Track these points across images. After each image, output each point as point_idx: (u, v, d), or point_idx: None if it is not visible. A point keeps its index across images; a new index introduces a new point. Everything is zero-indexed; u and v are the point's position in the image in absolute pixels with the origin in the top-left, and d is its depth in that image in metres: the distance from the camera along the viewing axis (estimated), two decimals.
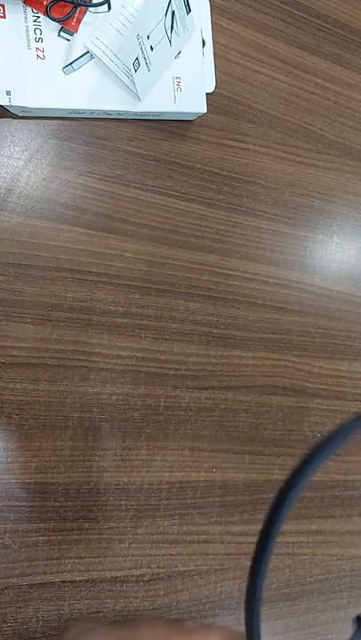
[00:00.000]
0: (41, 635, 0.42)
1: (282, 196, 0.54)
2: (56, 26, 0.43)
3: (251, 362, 0.51)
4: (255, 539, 0.30)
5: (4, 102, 0.41)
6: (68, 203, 0.45)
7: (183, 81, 0.47)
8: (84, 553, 0.44)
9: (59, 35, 0.43)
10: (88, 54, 0.44)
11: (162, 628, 0.25)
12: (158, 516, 0.46)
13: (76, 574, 0.43)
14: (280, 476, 0.51)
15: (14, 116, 0.44)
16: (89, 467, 0.45)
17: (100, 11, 0.44)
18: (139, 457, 0.46)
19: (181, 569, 0.47)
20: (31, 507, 0.42)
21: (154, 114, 0.47)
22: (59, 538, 0.43)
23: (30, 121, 0.44)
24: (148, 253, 0.48)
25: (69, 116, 0.45)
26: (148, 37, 0.43)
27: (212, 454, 0.49)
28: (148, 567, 0.46)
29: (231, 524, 0.49)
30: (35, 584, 0.42)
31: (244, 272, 0.52)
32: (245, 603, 0.20)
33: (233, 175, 0.52)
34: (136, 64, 0.43)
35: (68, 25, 0.43)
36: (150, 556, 0.46)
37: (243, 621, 0.27)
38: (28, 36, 0.42)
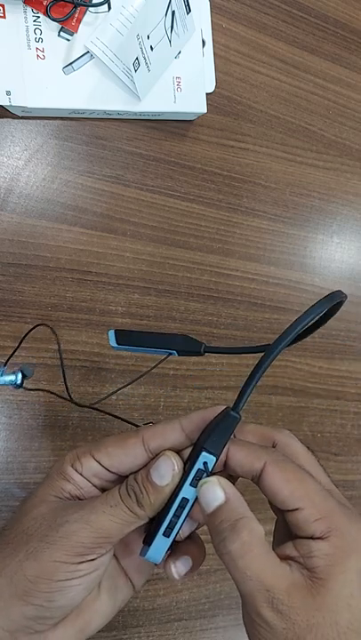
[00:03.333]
0: None
1: (282, 196, 0.54)
2: (56, 26, 0.43)
3: (251, 362, 0.51)
4: None
5: (4, 102, 0.41)
6: (68, 203, 0.45)
7: (183, 81, 0.47)
8: None
9: (59, 35, 0.43)
10: (88, 54, 0.44)
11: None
12: None
13: None
14: None
15: (14, 116, 0.44)
16: None
17: (100, 11, 0.44)
18: None
19: None
20: None
21: (154, 114, 0.47)
22: None
23: (30, 121, 0.44)
24: (148, 253, 0.48)
25: (69, 116, 0.45)
26: (148, 37, 0.43)
27: None
28: None
29: None
30: None
31: (244, 272, 0.52)
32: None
33: (233, 175, 0.52)
34: (136, 64, 0.43)
35: (68, 25, 0.43)
36: None
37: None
38: (28, 36, 0.42)
